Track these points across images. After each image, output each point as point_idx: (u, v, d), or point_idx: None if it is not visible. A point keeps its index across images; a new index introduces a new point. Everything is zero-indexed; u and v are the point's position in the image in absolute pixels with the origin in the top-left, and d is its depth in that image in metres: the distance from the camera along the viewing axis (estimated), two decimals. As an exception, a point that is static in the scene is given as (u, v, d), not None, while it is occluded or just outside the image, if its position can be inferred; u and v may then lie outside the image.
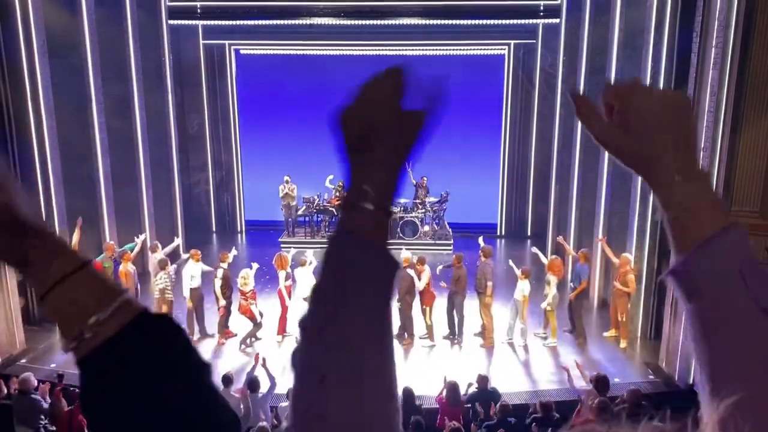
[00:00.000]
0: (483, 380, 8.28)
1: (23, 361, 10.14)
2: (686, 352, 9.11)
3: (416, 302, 10.77)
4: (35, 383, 7.75)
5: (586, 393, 7.68)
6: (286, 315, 10.98)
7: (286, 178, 16.79)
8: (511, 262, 11.51)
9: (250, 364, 9.96)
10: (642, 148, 0.85)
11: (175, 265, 11.17)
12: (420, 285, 10.53)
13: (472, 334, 11.02)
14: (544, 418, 7.16)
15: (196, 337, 11.02)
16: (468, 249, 16.23)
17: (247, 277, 10.52)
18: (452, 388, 7.88)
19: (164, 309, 10.66)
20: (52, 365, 10.00)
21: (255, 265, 10.92)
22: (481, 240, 11.65)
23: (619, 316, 10.63)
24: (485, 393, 8.13)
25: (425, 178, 16.67)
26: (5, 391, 7.91)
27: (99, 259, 10.92)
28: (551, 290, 10.53)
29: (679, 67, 9.70)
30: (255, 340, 10.89)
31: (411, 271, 10.60)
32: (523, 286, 10.53)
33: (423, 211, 16.41)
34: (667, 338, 9.75)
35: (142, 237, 12.21)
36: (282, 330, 11.02)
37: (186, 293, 10.84)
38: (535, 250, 12.01)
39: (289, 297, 10.84)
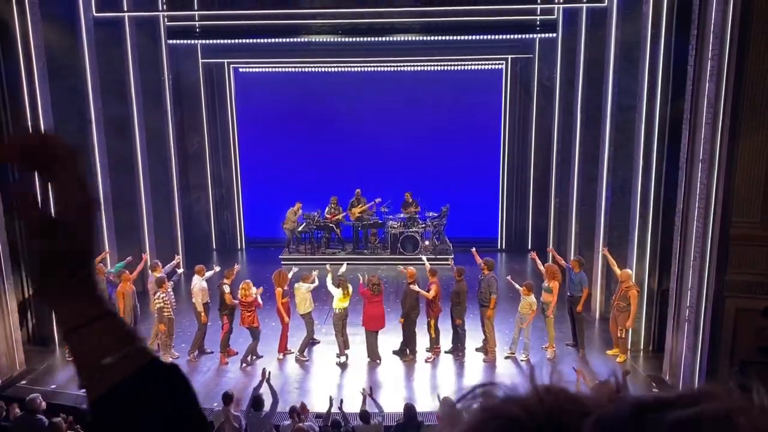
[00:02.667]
0: None
1: (23, 382, 10.09)
2: (689, 364, 9.06)
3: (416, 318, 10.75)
4: (43, 405, 7.69)
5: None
6: (286, 333, 10.89)
7: (298, 204, 16.74)
8: (509, 278, 11.45)
9: (251, 382, 9.93)
10: None
11: (172, 282, 11.11)
12: (429, 295, 10.49)
13: (474, 348, 10.96)
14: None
15: (210, 351, 11.07)
16: (469, 264, 16.25)
17: (248, 288, 10.50)
18: (447, 404, 7.84)
19: (162, 328, 10.61)
20: (52, 386, 9.96)
21: (260, 289, 10.85)
22: (474, 251, 11.50)
23: (618, 332, 10.54)
24: None
25: (409, 194, 16.68)
26: (5, 413, 7.84)
27: None
28: (553, 298, 10.50)
29: (675, 79, 9.75)
30: (256, 358, 10.84)
31: (415, 287, 10.56)
32: (530, 301, 10.49)
33: (423, 226, 16.41)
34: (670, 351, 9.70)
35: (145, 257, 12.18)
36: (283, 348, 10.96)
37: (200, 308, 10.84)
38: (533, 255, 11.90)
39: (288, 314, 10.78)
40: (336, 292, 10.61)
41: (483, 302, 10.63)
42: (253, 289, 10.61)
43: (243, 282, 10.69)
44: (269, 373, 8.51)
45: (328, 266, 11.38)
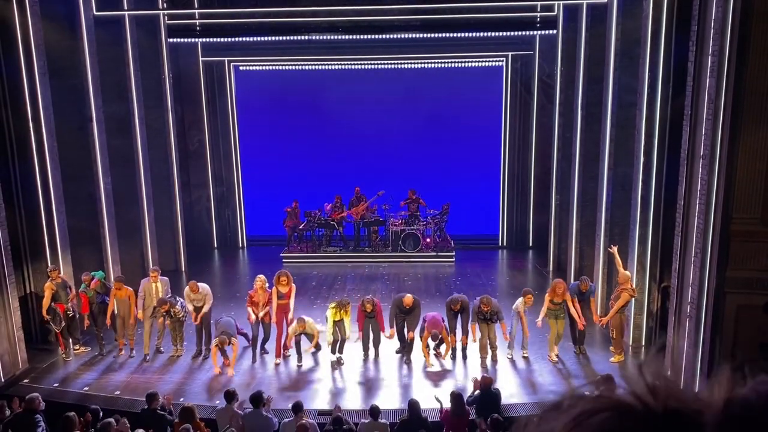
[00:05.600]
0: (486, 381, 8.24)
1: (26, 380, 10.12)
2: (690, 360, 9.07)
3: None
4: (42, 405, 7.72)
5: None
6: (281, 336, 10.70)
7: (295, 202, 16.90)
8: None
9: (254, 381, 9.97)
10: None
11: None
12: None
13: (475, 349, 10.92)
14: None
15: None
16: (469, 261, 16.31)
17: (264, 281, 10.59)
18: (456, 398, 7.84)
19: (166, 323, 10.66)
20: (55, 384, 9.99)
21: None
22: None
23: (610, 332, 10.52)
24: (488, 395, 8.07)
25: (412, 191, 16.71)
26: (8, 412, 7.87)
27: (82, 290, 10.89)
28: (574, 310, 10.46)
29: (676, 76, 9.74)
30: (264, 353, 10.82)
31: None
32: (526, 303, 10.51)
33: (424, 223, 16.43)
34: (672, 347, 9.71)
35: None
36: (284, 348, 10.79)
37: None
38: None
39: (285, 316, 10.64)
40: (329, 329, 10.45)
41: (490, 321, 10.38)
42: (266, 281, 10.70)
43: (257, 277, 10.73)
44: (268, 398, 8.37)
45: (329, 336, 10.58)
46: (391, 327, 10.68)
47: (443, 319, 10.42)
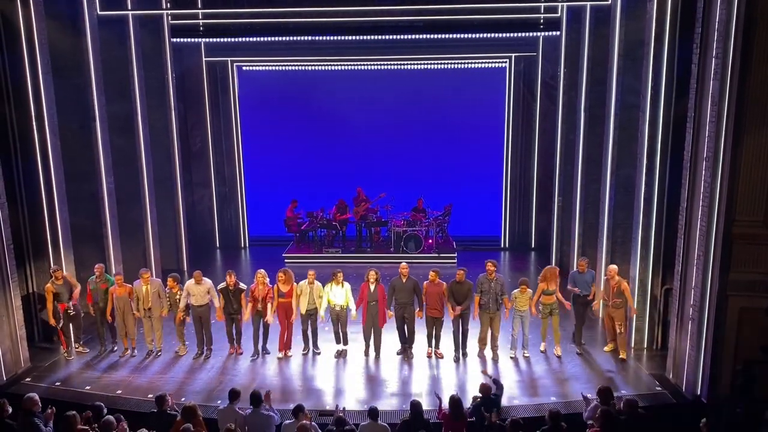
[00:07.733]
0: (485, 388, 8.22)
1: (28, 379, 10.13)
2: (693, 362, 9.06)
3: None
4: (39, 405, 7.70)
5: (593, 408, 7.64)
6: (283, 333, 10.76)
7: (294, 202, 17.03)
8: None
9: (257, 379, 9.97)
10: None
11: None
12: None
13: (476, 347, 10.94)
14: (552, 428, 7.10)
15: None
16: (472, 262, 16.26)
17: (265, 276, 10.62)
18: (455, 402, 7.82)
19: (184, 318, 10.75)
20: (57, 383, 9.99)
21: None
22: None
23: (617, 327, 10.55)
24: (488, 401, 8.06)
25: (421, 200, 16.73)
26: (10, 410, 7.87)
27: (89, 281, 10.90)
28: (559, 298, 10.68)
29: (680, 78, 9.73)
30: (266, 354, 10.86)
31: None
32: (528, 295, 10.53)
33: (426, 224, 16.44)
34: (674, 349, 9.70)
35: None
36: (282, 347, 10.82)
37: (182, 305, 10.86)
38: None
39: (286, 315, 10.67)
40: (324, 301, 10.65)
41: (493, 305, 10.43)
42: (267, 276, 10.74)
43: (258, 272, 10.71)
44: (267, 392, 8.36)
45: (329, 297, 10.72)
46: (389, 307, 10.61)
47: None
